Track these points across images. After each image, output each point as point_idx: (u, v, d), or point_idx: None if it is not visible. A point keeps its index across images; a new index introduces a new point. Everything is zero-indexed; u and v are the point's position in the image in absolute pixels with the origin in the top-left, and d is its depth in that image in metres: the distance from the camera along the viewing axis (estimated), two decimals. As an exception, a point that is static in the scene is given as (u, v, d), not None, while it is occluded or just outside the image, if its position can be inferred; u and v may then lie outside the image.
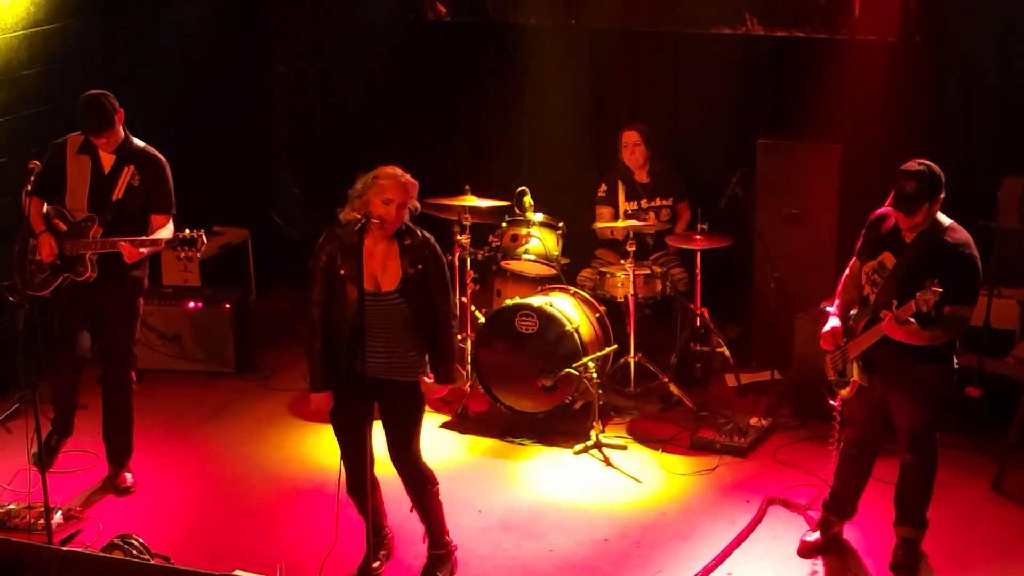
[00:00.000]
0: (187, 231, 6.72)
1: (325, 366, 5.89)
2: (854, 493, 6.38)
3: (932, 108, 8.22)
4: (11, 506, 6.72)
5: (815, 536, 6.43)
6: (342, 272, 5.78)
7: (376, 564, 6.25)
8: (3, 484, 7.09)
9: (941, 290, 5.51)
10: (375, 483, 6.16)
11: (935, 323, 5.71)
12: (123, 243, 6.65)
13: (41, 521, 6.41)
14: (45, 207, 6.81)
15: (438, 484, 6.14)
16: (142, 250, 6.70)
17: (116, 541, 6.11)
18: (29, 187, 6.33)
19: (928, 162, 5.80)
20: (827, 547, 6.39)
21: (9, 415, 7.88)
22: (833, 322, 6.18)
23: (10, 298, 6.41)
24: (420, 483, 6.09)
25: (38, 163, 6.50)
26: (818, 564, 6.31)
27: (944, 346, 5.90)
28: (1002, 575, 6.21)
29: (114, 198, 6.76)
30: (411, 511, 6.20)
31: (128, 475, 7.19)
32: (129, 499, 7.06)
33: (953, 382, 6.13)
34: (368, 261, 5.74)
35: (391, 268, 5.83)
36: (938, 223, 5.82)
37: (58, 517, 6.57)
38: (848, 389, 6.13)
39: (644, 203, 8.52)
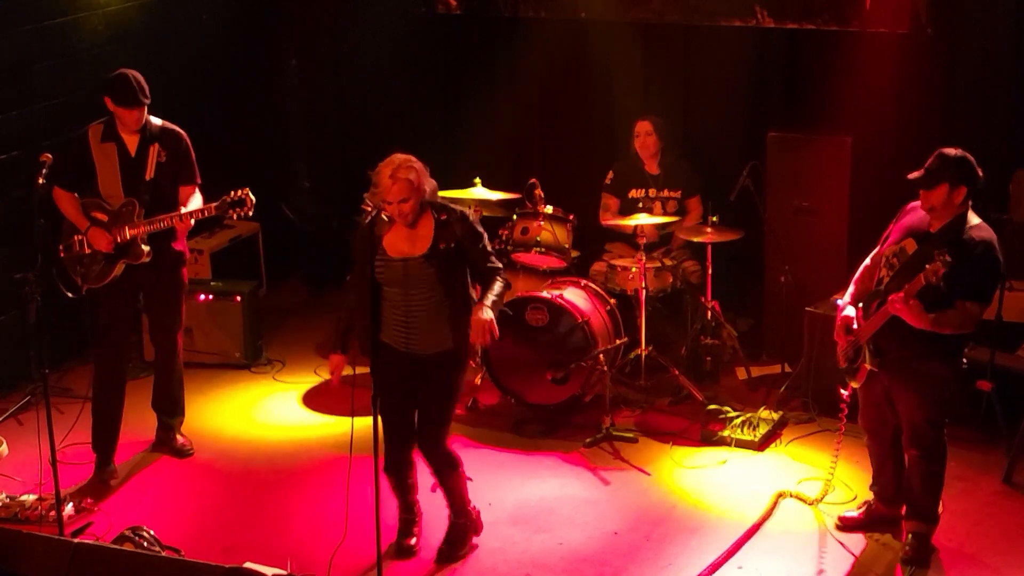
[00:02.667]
0: (232, 193, 6.90)
1: (341, 336, 6.18)
2: (892, 475, 6.37)
3: (944, 101, 8.20)
4: (23, 498, 6.74)
5: (856, 513, 6.50)
6: (367, 253, 5.99)
7: (412, 541, 6.44)
8: (15, 476, 7.11)
9: (951, 260, 5.51)
10: (412, 464, 6.34)
11: (943, 308, 5.72)
12: (174, 217, 6.88)
13: (52, 513, 6.43)
14: (81, 201, 6.93)
15: (462, 466, 6.33)
16: (192, 221, 6.94)
17: (127, 533, 6.12)
18: (41, 179, 6.35)
19: (966, 152, 5.81)
20: (865, 526, 6.44)
21: (21, 407, 7.90)
22: (847, 311, 6.18)
23: (26, 289, 6.44)
24: (443, 467, 6.26)
25: (50, 156, 6.52)
26: (828, 556, 6.30)
27: (953, 345, 5.89)
28: (1014, 568, 6.19)
29: (148, 178, 6.91)
30: (432, 491, 6.46)
31: (180, 437, 7.45)
32: (139, 491, 7.08)
33: (961, 383, 6.12)
34: (395, 239, 5.96)
35: (422, 239, 5.99)
36: (966, 219, 5.82)
37: (69, 509, 6.59)
38: (859, 376, 6.14)
39: (653, 192, 8.52)
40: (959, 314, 5.74)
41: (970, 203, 5.86)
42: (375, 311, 5.96)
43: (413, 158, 5.96)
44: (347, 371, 6.31)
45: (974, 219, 5.85)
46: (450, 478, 6.30)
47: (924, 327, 5.76)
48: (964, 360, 6.05)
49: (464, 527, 6.42)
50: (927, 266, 5.58)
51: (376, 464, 5.66)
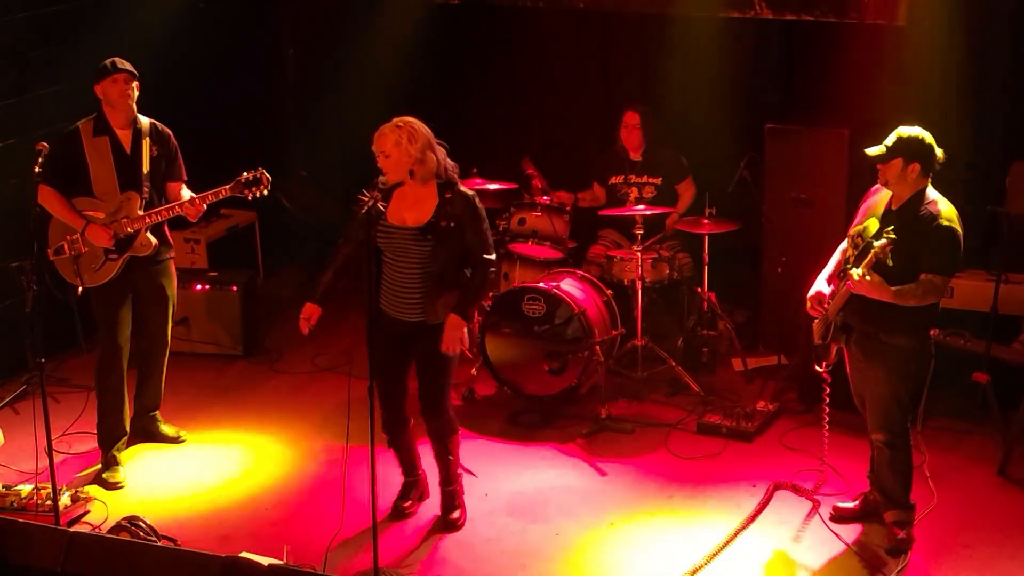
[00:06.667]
0: (246, 173, 6.96)
1: (320, 287, 6.39)
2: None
3: (941, 93, 8.18)
4: (19, 487, 6.74)
5: (852, 503, 6.53)
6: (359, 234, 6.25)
7: (407, 504, 6.65)
8: (11, 465, 7.11)
9: (895, 237, 5.68)
10: (407, 422, 6.53)
11: (908, 282, 5.82)
12: (186, 204, 6.92)
13: (48, 502, 6.43)
14: (71, 201, 6.89)
15: (459, 432, 6.55)
16: (205, 206, 6.98)
17: (123, 523, 6.14)
18: (37, 168, 6.34)
19: (922, 130, 5.96)
20: (860, 517, 6.47)
21: (17, 396, 7.90)
22: (819, 286, 6.26)
23: (22, 277, 6.44)
24: (445, 433, 6.47)
25: (46, 145, 6.51)
26: (823, 547, 6.32)
27: (919, 318, 5.96)
28: (1007, 561, 6.20)
29: (145, 172, 6.91)
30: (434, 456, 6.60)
31: (166, 426, 7.51)
32: (136, 481, 7.08)
33: (927, 362, 6.15)
34: (399, 207, 6.21)
35: (424, 211, 6.18)
36: (924, 195, 5.95)
37: (65, 498, 6.59)
38: (832, 353, 6.21)
39: (632, 179, 8.52)
40: (920, 286, 5.85)
41: (929, 180, 5.97)
42: (377, 277, 6.24)
43: (416, 124, 6.21)
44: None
45: (933, 194, 5.97)
46: (450, 442, 6.51)
47: (887, 299, 5.84)
48: (932, 340, 6.14)
49: (455, 492, 6.62)
50: (875, 243, 5.72)
51: (372, 454, 5.66)
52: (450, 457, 6.54)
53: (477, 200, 6.28)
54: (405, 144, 6.12)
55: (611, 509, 6.75)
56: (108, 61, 6.86)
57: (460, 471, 6.66)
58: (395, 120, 6.21)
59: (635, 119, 8.46)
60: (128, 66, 6.86)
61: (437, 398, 6.41)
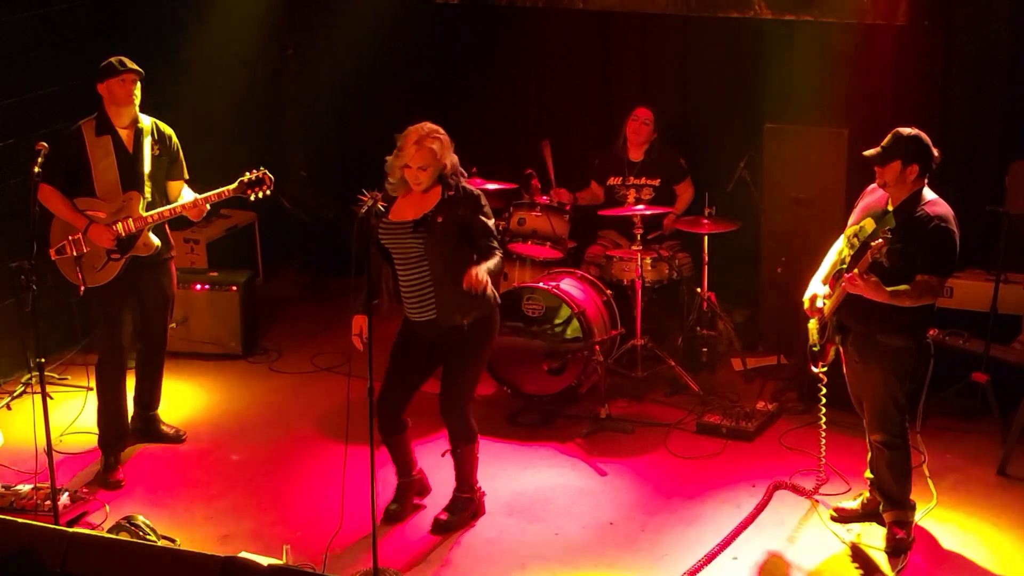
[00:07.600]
0: (249, 173, 6.97)
1: (361, 297, 6.18)
2: None
3: (940, 93, 8.19)
4: (18, 487, 6.74)
5: (853, 504, 6.53)
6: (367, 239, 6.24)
7: (394, 507, 6.59)
8: (10, 466, 7.11)
9: (890, 236, 5.69)
10: (403, 426, 6.48)
11: (904, 282, 5.82)
12: (188, 205, 6.91)
13: (48, 502, 6.43)
14: (73, 201, 6.88)
15: (478, 442, 6.52)
16: (207, 206, 6.97)
17: (122, 523, 6.14)
18: (37, 168, 6.33)
19: (920, 132, 5.95)
20: (860, 517, 6.47)
21: (16, 396, 7.90)
22: (814, 287, 6.26)
23: (21, 277, 6.45)
24: (459, 437, 6.46)
25: (46, 145, 6.51)
26: (823, 548, 6.32)
27: (915, 318, 5.96)
28: (1007, 560, 6.21)
29: (146, 171, 6.91)
30: (443, 455, 6.58)
31: (165, 425, 7.50)
32: (135, 481, 7.08)
33: (925, 361, 6.16)
34: (402, 205, 6.23)
35: (424, 208, 6.16)
36: (920, 196, 5.95)
37: (64, 499, 6.59)
38: (827, 356, 6.22)
39: (631, 180, 8.52)
40: (916, 288, 5.84)
41: (925, 180, 5.97)
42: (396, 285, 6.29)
43: (441, 130, 6.18)
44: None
45: (929, 195, 5.97)
46: (462, 449, 6.49)
47: (884, 300, 5.84)
48: (929, 340, 6.15)
49: (466, 502, 6.57)
50: (871, 243, 5.71)
51: (372, 453, 5.66)
52: (466, 464, 6.52)
53: (483, 197, 6.27)
54: (439, 155, 6.11)
55: (610, 509, 6.75)
56: (115, 60, 6.84)
57: (478, 487, 6.64)
58: (423, 130, 6.14)
59: (647, 114, 8.48)
60: (135, 66, 6.85)
61: (456, 399, 6.40)
